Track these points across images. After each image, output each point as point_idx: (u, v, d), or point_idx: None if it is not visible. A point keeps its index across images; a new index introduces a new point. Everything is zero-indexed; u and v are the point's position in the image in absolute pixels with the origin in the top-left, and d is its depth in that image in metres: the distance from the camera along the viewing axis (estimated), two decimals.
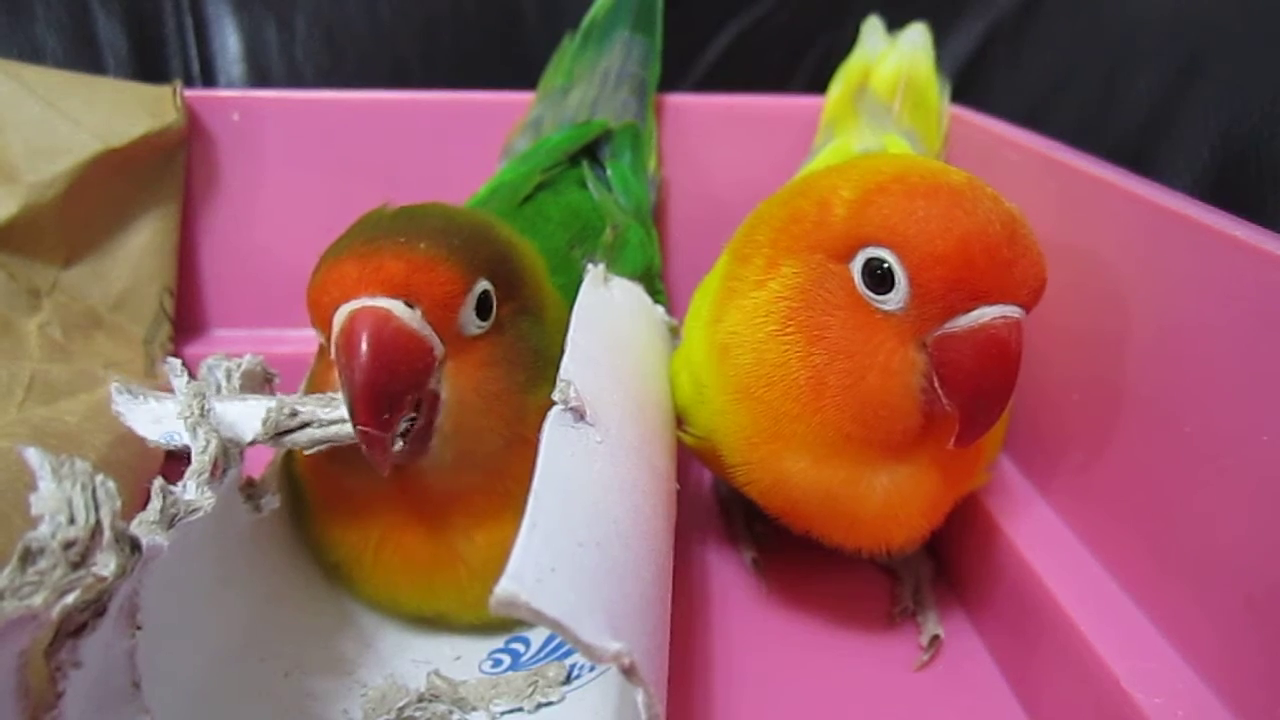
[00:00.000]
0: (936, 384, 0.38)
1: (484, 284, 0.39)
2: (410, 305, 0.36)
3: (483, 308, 0.39)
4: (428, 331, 0.37)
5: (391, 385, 0.36)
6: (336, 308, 0.36)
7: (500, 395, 0.39)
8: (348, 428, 0.37)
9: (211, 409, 0.38)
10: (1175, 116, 0.62)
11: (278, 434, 0.38)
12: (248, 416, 0.39)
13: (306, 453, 0.39)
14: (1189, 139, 0.61)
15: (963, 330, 0.37)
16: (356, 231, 0.40)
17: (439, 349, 0.37)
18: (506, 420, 0.40)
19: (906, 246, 0.37)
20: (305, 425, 0.38)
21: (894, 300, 0.38)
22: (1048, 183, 0.50)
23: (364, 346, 0.35)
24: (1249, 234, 0.37)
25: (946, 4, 0.80)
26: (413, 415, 0.37)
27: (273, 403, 0.39)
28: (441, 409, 0.38)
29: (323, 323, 0.38)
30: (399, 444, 0.37)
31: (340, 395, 0.37)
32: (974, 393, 0.37)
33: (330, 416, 0.38)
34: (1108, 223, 0.45)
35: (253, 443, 0.39)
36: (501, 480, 0.40)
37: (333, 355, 0.37)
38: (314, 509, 0.45)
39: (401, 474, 0.39)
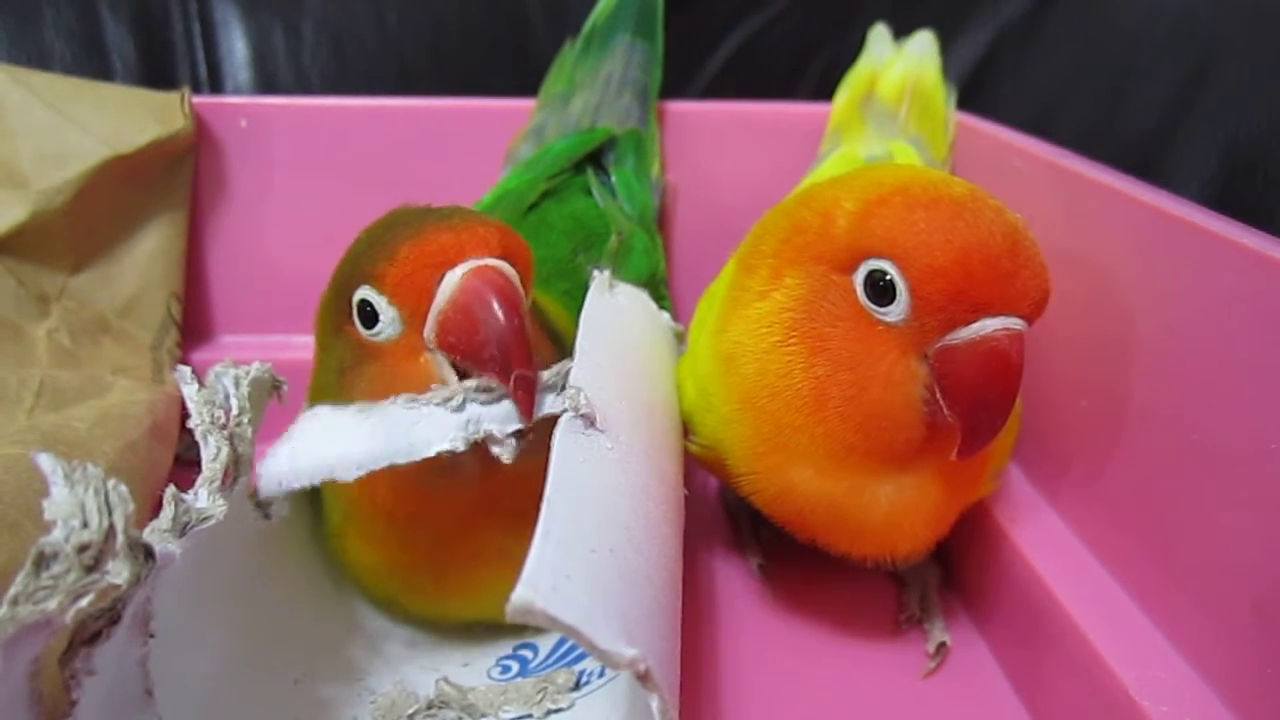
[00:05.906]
0: (938, 395, 0.38)
1: None
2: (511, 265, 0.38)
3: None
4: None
5: (525, 331, 0.37)
6: (439, 274, 0.38)
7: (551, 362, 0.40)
8: (508, 422, 0.38)
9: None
10: (1182, 124, 0.62)
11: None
12: (437, 428, 0.38)
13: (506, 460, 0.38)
14: (1196, 146, 0.61)
15: (964, 342, 0.37)
16: (414, 218, 0.40)
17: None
18: None
19: (907, 258, 0.37)
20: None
21: (895, 312, 0.38)
22: (1054, 190, 0.50)
23: (500, 297, 0.37)
24: (1256, 241, 0.37)
25: (953, 11, 0.80)
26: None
27: (461, 415, 0.38)
28: None
29: (415, 292, 0.38)
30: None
31: (469, 383, 0.38)
32: (975, 404, 0.37)
33: (498, 414, 0.38)
34: (1114, 230, 0.45)
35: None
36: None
37: (439, 317, 0.38)
38: (363, 520, 0.44)
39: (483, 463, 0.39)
